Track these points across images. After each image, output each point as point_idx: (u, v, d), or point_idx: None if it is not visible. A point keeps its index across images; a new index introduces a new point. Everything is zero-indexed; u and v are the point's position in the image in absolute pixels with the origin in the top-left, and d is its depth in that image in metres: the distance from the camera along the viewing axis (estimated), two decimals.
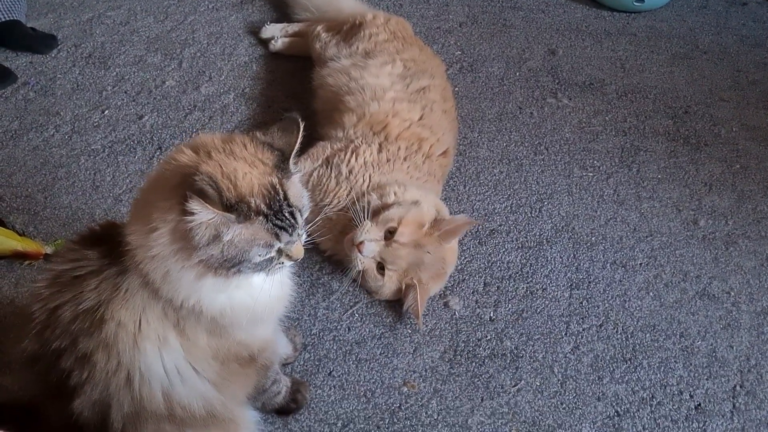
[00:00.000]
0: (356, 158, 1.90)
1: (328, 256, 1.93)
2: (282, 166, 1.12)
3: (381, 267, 1.79)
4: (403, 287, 1.80)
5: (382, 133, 1.96)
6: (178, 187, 1.04)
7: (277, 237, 1.09)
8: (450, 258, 1.86)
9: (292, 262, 1.18)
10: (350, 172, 1.88)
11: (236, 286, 1.15)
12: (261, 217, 1.06)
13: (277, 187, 1.08)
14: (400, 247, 1.75)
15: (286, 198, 1.09)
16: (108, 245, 1.16)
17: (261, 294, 1.18)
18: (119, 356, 1.14)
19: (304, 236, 1.19)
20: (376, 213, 1.80)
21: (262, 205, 1.06)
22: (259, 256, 1.09)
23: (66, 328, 1.14)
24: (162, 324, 1.16)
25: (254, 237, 1.07)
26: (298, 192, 1.14)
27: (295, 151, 1.14)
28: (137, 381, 1.16)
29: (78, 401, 1.17)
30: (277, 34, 2.63)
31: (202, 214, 1.01)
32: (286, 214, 1.09)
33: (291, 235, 1.11)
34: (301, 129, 1.15)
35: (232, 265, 1.07)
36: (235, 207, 1.04)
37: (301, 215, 1.13)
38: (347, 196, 1.86)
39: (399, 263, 1.77)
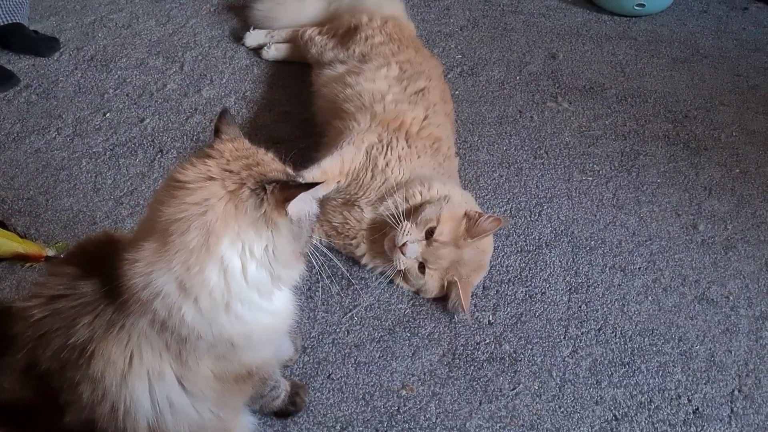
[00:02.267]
0: (391, 151, 1.91)
1: (361, 257, 1.93)
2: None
3: (422, 266, 1.81)
4: (446, 284, 1.83)
5: (401, 129, 1.97)
6: (247, 212, 1.08)
7: None
8: (488, 248, 1.88)
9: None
10: (387, 164, 1.90)
11: (272, 300, 1.18)
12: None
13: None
14: (440, 246, 1.77)
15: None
16: (103, 271, 1.14)
17: (284, 309, 1.23)
18: (105, 389, 1.14)
19: None
20: (409, 213, 1.82)
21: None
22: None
23: (55, 354, 1.14)
24: (160, 358, 1.15)
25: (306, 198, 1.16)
26: None
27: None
28: (121, 412, 1.15)
29: (68, 418, 1.18)
30: (263, 40, 2.62)
31: (306, 201, 1.12)
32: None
33: None
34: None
35: (309, 233, 1.20)
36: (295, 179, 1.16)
37: None
38: (378, 189, 1.88)
39: (440, 263, 1.79)
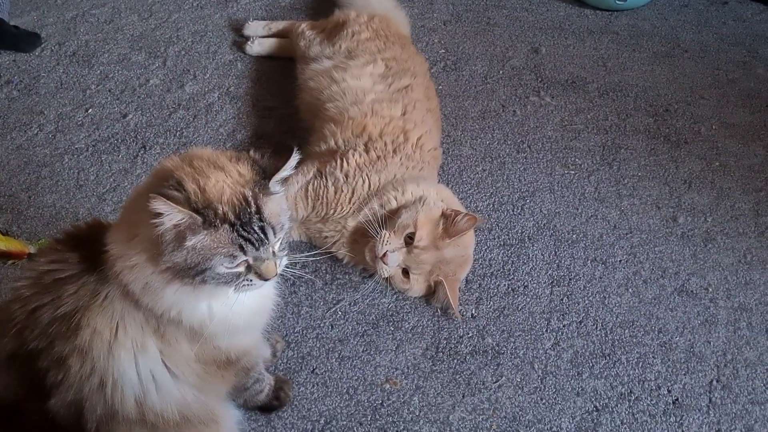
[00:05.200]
0: (347, 163, 1.91)
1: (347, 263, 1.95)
2: (261, 182, 1.11)
3: (406, 272, 1.82)
4: (432, 284, 1.84)
5: (363, 134, 1.97)
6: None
7: (242, 249, 1.08)
8: (469, 242, 1.89)
9: (263, 282, 1.15)
10: (346, 176, 1.89)
11: (212, 296, 1.15)
12: (227, 225, 1.06)
13: (250, 199, 1.08)
14: (421, 252, 1.78)
15: (258, 212, 1.09)
16: (90, 248, 1.17)
17: (240, 307, 1.18)
18: (93, 362, 1.15)
19: (284, 260, 1.18)
20: (387, 220, 1.83)
21: (230, 214, 1.06)
22: (223, 266, 1.08)
23: (44, 330, 1.15)
24: (141, 331, 1.17)
25: (217, 245, 1.06)
26: (276, 211, 1.13)
27: (281, 174, 1.13)
28: (110, 387, 1.17)
29: (54, 401, 1.18)
30: (261, 32, 2.63)
31: (168, 215, 1.01)
32: (255, 228, 1.08)
33: (258, 249, 1.09)
34: (294, 156, 1.14)
35: (195, 273, 1.07)
36: (201, 211, 1.04)
37: (275, 233, 1.11)
38: (350, 201, 1.88)
39: (423, 267, 1.81)
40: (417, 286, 1.84)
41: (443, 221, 1.79)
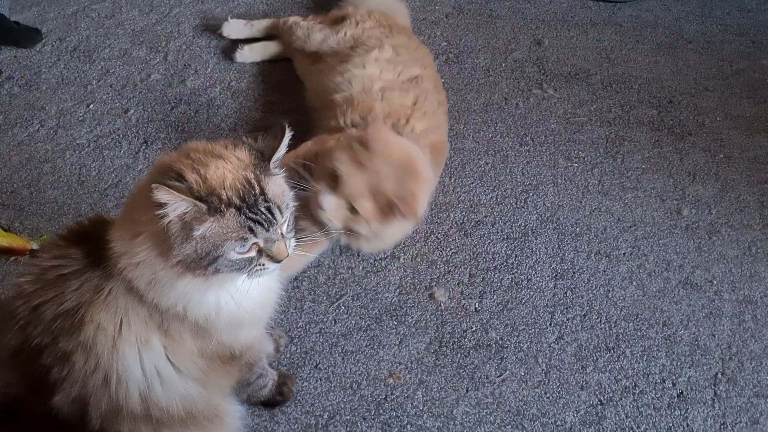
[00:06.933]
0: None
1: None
2: (261, 164, 1.12)
3: (353, 209, 1.73)
4: (388, 210, 1.73)
5: (369, 116, 1.93)
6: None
7: (252, 231, 1.08)
8: (398, 153, 1.75)
9: (276, 265, 1.16)
10: None
11: (221, 288, 1.15)
12: (233, 209, 1.05)
13: (253, 181, 1.08)
14: (347, 181, 1.68)
15: (262, 193, 1.09)
16: (93, 243, 1.17)
17: (246, 299, 1.18)
18: (97, 358, 1.15)
19: (293, 241, 1.18)
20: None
21: (235, 198, 1.06)
22: (236, 252, 1.08)
23: (47, 326, 1.15)
24: (145, 326, 1.17)
25: (227, 230, 1.06)
26: (279, 191, 1.13)
27: (278, 154, 1.14)
28: (114, 382, 1.17)
29: (58, 397, 1.18)
30: (244, 32, 2.53)
31: (172, 204, 1.01)
32: (262, 209, 1.08)
33: (268, 230, 1.09)
34: (287, 134, 1.14)
35: (208, 262, 1.07)
36: (205, 199, 1.04)
37: (281, 213, 1.11)
38: None
39: (359, 188, 1.69)
40: (371, 216, 1.72)
41: (357, 143, 1.71)
